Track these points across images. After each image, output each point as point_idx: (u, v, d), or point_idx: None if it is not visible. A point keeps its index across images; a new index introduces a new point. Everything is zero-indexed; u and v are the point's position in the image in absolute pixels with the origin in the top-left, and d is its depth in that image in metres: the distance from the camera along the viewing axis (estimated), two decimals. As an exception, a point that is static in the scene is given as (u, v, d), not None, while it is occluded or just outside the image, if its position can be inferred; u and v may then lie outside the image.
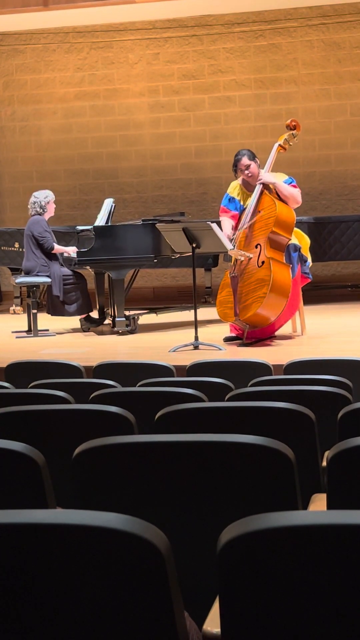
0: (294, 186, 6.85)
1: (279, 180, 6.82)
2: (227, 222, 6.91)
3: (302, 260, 6.83)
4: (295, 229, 6.85)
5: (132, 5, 9.92)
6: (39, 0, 9.91)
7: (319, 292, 10.00)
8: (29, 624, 1.37)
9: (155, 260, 7.90)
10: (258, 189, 6.77)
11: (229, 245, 6.51)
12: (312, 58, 11.02)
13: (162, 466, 2.04)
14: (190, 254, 6.74)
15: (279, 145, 7.03)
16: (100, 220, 8.29)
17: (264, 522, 1.27)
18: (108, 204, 8.45)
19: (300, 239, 6.93)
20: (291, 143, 7.10)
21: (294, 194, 6.78)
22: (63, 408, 2.92)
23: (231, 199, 6.97)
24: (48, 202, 8.24)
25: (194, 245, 6.61)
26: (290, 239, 6.71)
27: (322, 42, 10.97)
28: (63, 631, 1.37)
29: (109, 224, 8.22)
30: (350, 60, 10.94)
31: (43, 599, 1.35)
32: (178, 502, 2.05)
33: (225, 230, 6.79)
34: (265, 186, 6.78)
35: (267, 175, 6.80)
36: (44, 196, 8.26)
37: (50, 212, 8.29)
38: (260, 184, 6.76)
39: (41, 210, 8.22)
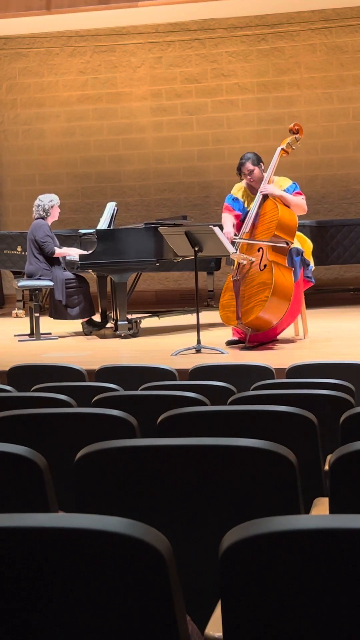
0: (299, 193, 6.83)
1: (283, 188, 6.80)
2: (228, 219, 6.89)
3: (305, 264, 6.83)
4: (298, 232, 6.84)
5: (135, 9, 9.93)
6: (42, 4, 9.93)
7: (321, 296, 9.99)
8: (31, 628, 1.37)
9: (158, 264, 7.90)
10: (260, 193, 6.76)
11: (231, 249, 6.50)
12: (314, 62, 11.02)
13: (164, 470, 2.04)
14: (193, 257, 6.74)
15: (282, 149, 7.02)
16: (103, 223, 8.29)
17: (266, 526, 1.27)
18: (110, 207, 8.46)
19: (303, 243, 6.92)
20: (294, 147, 7.09)
21: (300, 202, 6.77)
22: (65, 411, 2.92)
23: (235, 199, 6.97)
24: (52, 207, 8.23)
25: (196, 248, 6.62)
26: (292, 243, 6.70)
27: (324, 45, 10.98)
28: (65, 635, 1.36)
29: (112, 227, 8.23)
30: (353, 64, 10.94)
31: (45, 603, 1.35)
32: (180, 506, 2.04)
33: (226, 227, 6.78)
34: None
35: (270, 187, 6.76)
36: (49, 200, 8.25)
37: (54, 216, 8.28)
38: (262, 195, 6.74)
39: (44, 214, 8.21)
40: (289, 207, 6.74)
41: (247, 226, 6.75)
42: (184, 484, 2.04)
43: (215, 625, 1.52)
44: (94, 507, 2.08)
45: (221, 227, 6.71)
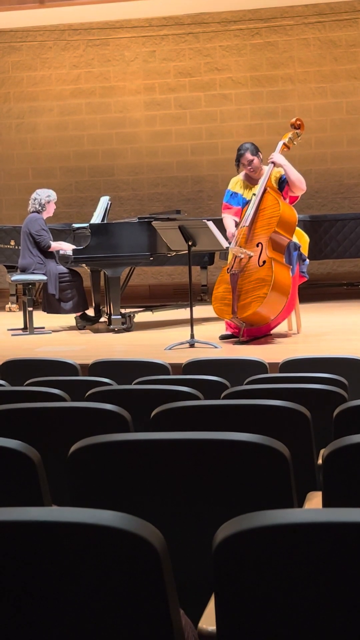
0: None
1: (279, 175, 6.79)
2: (230, 221, 6.87)
3: (301, 259, 6.81)
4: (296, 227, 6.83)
5: (128, 2, 9.91)
6: (35, -3, 9.90)
7: (314, 291, 10.00)
8: (24, 621, 1.37)
9: (151, 258, 7.90)
10: (262, 185, 6.71)
11: (224, 244, 6.49)
12: (308, 56, 11.01)
13: (158, 464, 2.04)
14: (186, 252, 6.73)
15: (284, 143, 6.96)
16: (96, 218, 8.28)
17: (259, 520, 1.27)
18: (104, 201, 8.44)
19: (300, 238, 6.91)
20: (295, 142, 7.06)
21: (301, 179, 6.75)
22: (59, 406, 2.92)
23: (233, 194, 6.94)
24: (48, 202, 8.22)
25: (190, 243, 6.61)
26: (291, 240, 6.68)
27: (318, 40, 10.97)
28: (59, 629, 1.37)
29: (105, 221, 8.22)
30: (346, 59, 10.94)
31: (38, 597, 1.35)
32: (174, 500, 2.05)
33: (229, 229, 6.77)
34: (269, 184, 6.74)
35: (278, 156, 6.75)
36: (46, 195, 8.25)
37: (49, 211, 8.27)
38: (271, 162, 6.72)
39: (40, 208, 8.20)
40: (290, 184, 6.68)
41: (246, 220, 6.70)
42: (177, 478, 2.04)
43: (208, 619, 1.53)
44: (87, 501, 2.08)
45: (216, 224, 6.65)
